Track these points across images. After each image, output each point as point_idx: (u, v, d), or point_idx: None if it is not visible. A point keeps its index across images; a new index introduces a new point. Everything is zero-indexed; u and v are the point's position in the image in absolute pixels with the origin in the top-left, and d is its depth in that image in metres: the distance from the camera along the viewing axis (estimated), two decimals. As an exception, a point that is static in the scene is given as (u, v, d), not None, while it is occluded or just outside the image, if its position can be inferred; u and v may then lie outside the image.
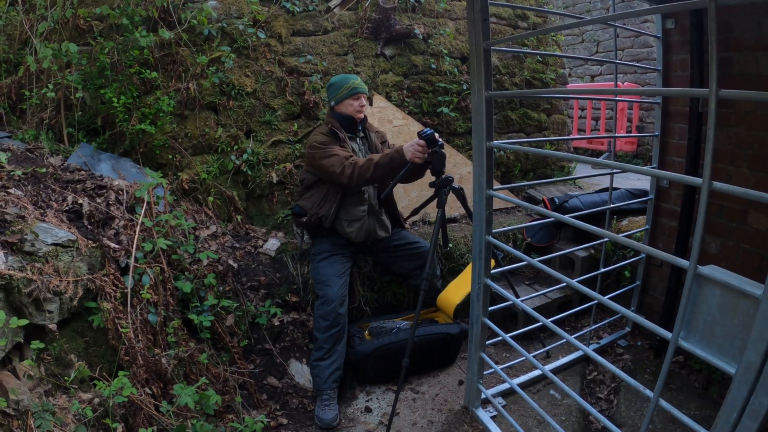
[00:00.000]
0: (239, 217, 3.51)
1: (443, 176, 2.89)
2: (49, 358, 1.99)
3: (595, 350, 3.19)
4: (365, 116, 3.17)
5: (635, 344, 3.30)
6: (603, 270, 3.06)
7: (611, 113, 6.49)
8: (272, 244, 3.35)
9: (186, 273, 2.79)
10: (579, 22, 2.28)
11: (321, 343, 2.85)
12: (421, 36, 4.07)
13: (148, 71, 3.32)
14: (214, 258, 2.92)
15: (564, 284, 3.65)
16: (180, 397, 2.09)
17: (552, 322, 2.20)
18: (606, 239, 3.04)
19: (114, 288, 2.31)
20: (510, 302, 2.46)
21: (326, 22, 3.86)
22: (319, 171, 2.95)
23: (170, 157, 3.40)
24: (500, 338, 2.49)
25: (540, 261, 2.38)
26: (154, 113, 3.34)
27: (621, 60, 6.55)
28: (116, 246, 2.46)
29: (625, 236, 3.21)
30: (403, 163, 2.75)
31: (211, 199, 3.41)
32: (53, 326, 2.00)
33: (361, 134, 3.19)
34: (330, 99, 3.10)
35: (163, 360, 2.39)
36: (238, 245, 3.33)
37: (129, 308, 2.33)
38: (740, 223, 2.65)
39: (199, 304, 2.73)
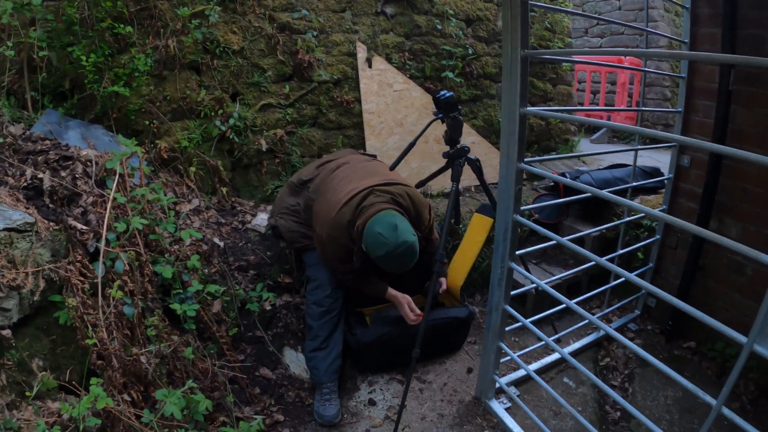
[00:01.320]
0: (224, 190, 3.17)
1: (458, 146, 2.62)
2: (10, 363, 1.65)
3: (605, 335, 3.06)
4: None
5: (645, 328, 3.17)
6: (621, 252, 2.87)
7: (611, 87, 6.27)
8: (261, 220, 3.03)
9: (166, 255, 2.45)
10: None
11: (316, 331, 2.59)
12: (425, -5, 3.73)
13: (122, 26, 2.90)
14: (198, 237, 2.59)
15: (571, 263, 3.54)
16: (165, 405, 1.79)
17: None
18: (623, 221, 2.83)
19: (82, 279, 1.97)
20: (532, 285, 2.24)
21: (322, -27, 3.48)
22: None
23: (147, 123, 3.03)
24: (513, 325, 2.29)
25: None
26: (129, 73, 2.94)
27: (623, 34, 6.31)
28: (84, 227, 2.11)
29: (635, 220, 3.10)
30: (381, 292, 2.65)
31: (193, 169, 3.06)
32: (7, 333, 1.64)
33: None
34: (368, 250, 2.36)
35: (143, 359, 2.07)
36: (223, 221, 3.01)
37: (101, 301, 1.99)
38: (765, 208, 2.49)
39: (181, 291, 2.41)
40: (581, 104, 6.51)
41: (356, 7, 3.59)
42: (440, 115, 2.57)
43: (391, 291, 2.61)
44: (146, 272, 2.32)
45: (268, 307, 2.79)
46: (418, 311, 2.56)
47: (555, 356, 2.87)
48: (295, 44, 3.36)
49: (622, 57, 5.37)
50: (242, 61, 3.25)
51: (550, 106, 4.33)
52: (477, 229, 3.07)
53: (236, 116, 3.16)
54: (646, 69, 2.61)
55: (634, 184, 2.79)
